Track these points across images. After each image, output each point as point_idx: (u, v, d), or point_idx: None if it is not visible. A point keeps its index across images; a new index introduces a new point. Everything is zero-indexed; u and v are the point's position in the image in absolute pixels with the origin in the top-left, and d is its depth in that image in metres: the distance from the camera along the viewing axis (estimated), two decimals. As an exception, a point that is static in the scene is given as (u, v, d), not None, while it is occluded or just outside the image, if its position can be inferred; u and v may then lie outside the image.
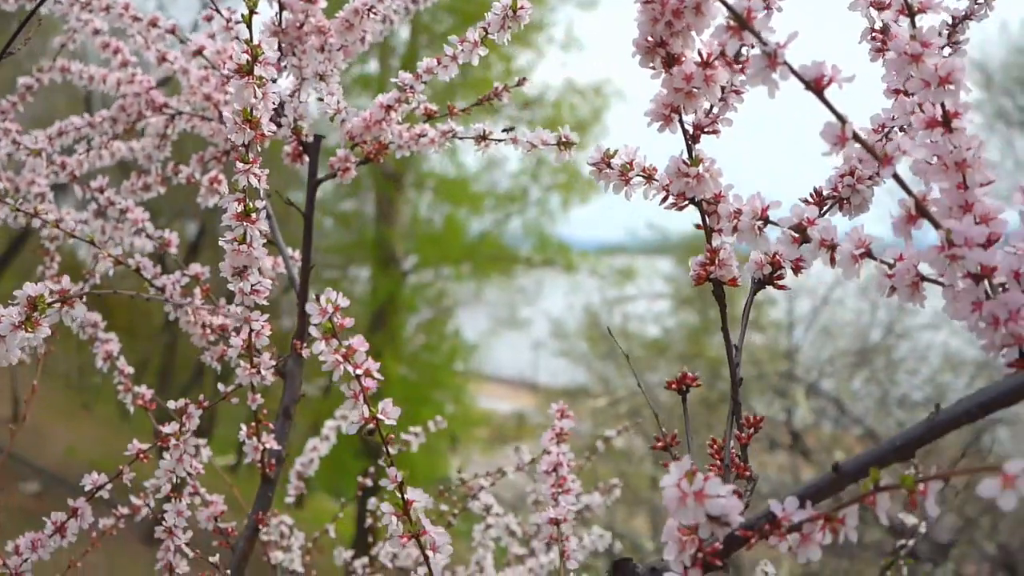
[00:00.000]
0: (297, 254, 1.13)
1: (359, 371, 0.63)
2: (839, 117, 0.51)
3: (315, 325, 0.61)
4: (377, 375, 0.63)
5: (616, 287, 10.92)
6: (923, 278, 0.55)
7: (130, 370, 1.11)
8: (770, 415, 6.34)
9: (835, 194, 0.69)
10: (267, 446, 0.98)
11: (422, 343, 11.65)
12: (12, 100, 1.36)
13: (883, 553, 6.32)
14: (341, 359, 0.62)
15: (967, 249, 0.51)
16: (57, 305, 0.66)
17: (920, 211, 0.52)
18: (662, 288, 10.89)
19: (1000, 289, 0.53)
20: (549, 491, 0.97)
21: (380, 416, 0.64)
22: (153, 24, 1.12)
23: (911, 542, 1.14)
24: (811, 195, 0.70)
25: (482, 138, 0.96)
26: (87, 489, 0.91)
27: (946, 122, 0.54)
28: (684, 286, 11.37)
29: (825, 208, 0.69)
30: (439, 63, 0.93)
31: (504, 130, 0.98)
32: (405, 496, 0.65)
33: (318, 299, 0.61)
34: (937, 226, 0.52)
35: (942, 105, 0.54)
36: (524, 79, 1.01)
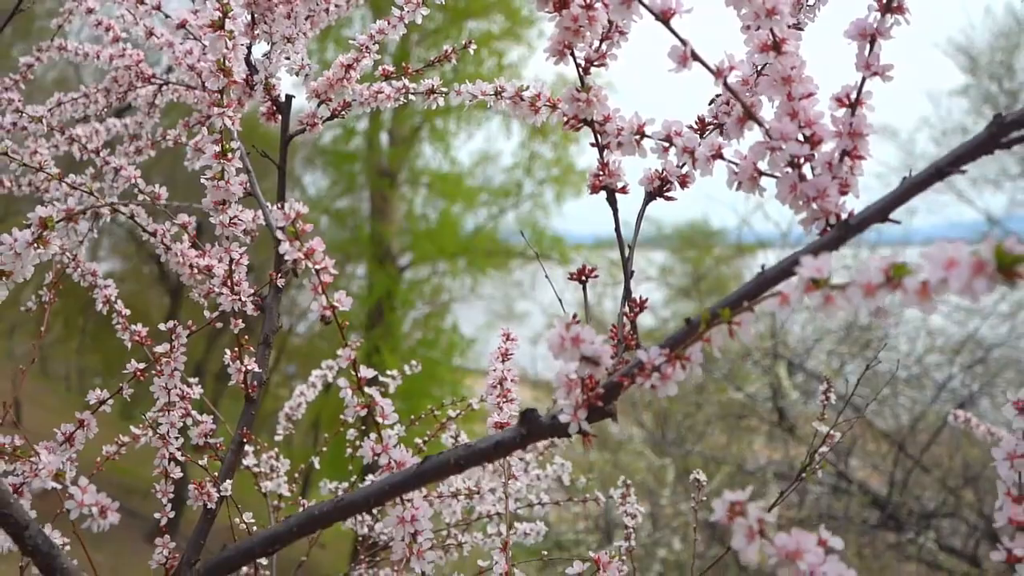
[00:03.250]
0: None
1: (319, 267, 0.76)
2: (682, 41, 0.65)
3: (279, 228, 0.75)
4: (333, 270, 0.77)
5: (612, 278, 11.06)
6: (760, 172, 0.69)
7: (127, 312, 1.24)
8: (757, 392, 6.48)
9: (715, 121, 0.82)
10: (249, 368, 1.11)
11: (419, 339, 11.78)
12: (15, 78, 1.49)
13: (870, 528, 6.41)
14: (303, 256, 0.76)
15: (783, 143, 0.64)
16: (63, 223, 0.80)
17: (748, 115, 0.66)
18: (654, 275, 11.02)
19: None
20: (494, 401, 1.10)
21: (336, 304, 0.77)
22: (140, 1, 1.25)
23: (820, 451, 1.27)
24: (696, 121, 0.83)
25: (431, 91, 1.09)
26: (91, 403, 1.05)
27: (775, 46, 0.68)
28: (680, 276, 11.52)
29: (708, 131, 0.83)
30: (389, 23, 1.07)
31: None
32: (359, 374, 0.79)
33: (282, 206, 0.75)
34: (761, 125, 0.65)
35: (771, 32, 0.68)
36: (470, 42, 1.15)
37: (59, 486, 0.76)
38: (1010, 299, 8.00)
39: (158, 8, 1.26)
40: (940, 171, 0.59)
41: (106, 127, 1.53)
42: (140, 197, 1.25)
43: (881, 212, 0.61)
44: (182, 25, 1.20)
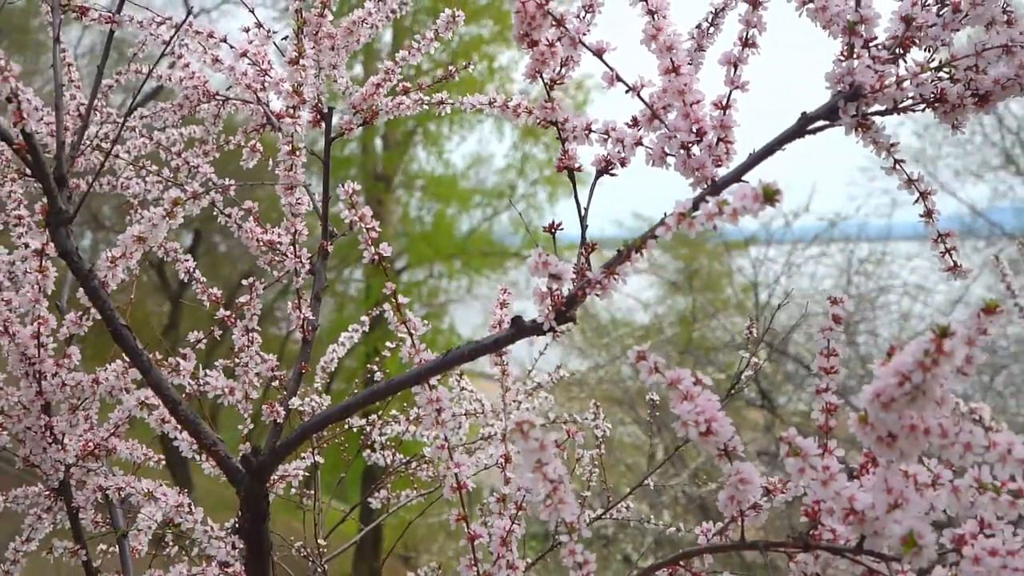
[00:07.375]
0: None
1: (368, 226, 1.11)
2: (609, 68, 1.00)
3: (341, 200, 1.10)
4: (377, 228, 1.11)
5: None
6: (666, 153, 1.04)
7: (204, 280, 1.59)
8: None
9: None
10: (306, 316, 1.46)
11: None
12: (98, 97, 1.84)
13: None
14: (358, 219, 1.10)
15: (678, 133, 1.00)
16: (191, 200, 1.15)
17: (654, 115, 1.01)
18: (648, 271, 11.34)
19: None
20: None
21: (381, 251, 1.12)
22: (210, 35, 1.59)
23: (745, 376, 1.62)
24: (631, 119, 1.18)
25: (441, 102, 1.44)
26: (192, 341, 1.39)
27: (674, 70, 1.03)
28: (672, 272, 11.88)
29: (640, 126, 1.17)
30: (409, 52, 1.42)
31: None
32: (398, 299, 1.14)
33: (342, 184, 1.10)
34: (663, 122, 1.00)
35: (671, 59, 1.03)
36: (469, 62, 1.50)
37: (193, 383, 1.11)
38: (996, 290, 8.39)
39: (224, 40, 1.60)
40: (771, 149, 0.94)
41: (166, 137, 1.88)
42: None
43: (734, 177, 0.96)
44: (244, 54, 1.55)
